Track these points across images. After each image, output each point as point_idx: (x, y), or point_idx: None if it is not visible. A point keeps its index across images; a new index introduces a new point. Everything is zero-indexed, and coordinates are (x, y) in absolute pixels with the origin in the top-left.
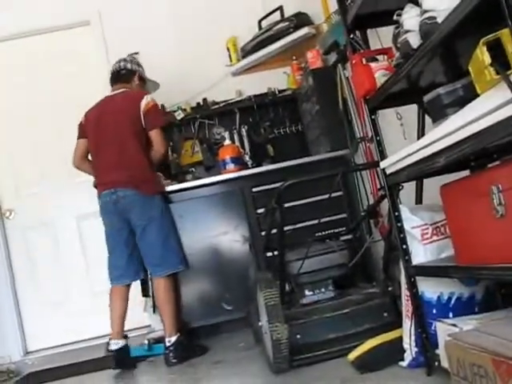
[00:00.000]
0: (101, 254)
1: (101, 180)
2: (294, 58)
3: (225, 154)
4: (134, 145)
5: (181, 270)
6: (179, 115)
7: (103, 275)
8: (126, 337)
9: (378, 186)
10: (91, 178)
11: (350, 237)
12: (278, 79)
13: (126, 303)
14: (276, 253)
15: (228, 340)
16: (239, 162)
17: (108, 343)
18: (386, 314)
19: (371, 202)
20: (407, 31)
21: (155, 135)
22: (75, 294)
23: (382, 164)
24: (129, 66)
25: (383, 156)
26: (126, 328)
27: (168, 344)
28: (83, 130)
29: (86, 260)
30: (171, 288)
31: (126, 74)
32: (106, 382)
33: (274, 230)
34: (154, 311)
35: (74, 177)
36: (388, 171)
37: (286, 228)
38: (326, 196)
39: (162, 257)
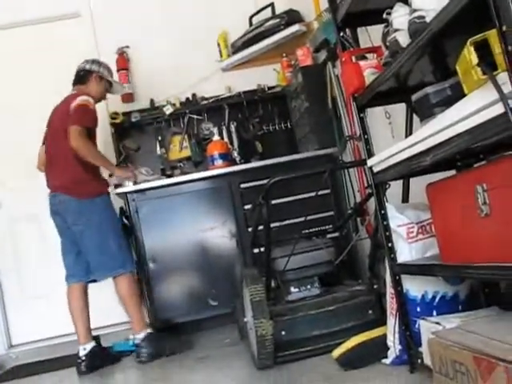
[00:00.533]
0: None
1: (47, 183)
2: (284, 54)
3: (213, 150)
4: (66, 149)
5: (122, 273)
6: (168, 110)
7: None
8: (95, 338)
9: (366, 185)
10: None
11: (336, 234)
12: (267, 76)
13: (82, 302)
14: (262, 249)
15: (213, 336)
16: (227, 158)
17: (78, 350)
18: (370, 312)
19: (358, 200)
20: (396, 30)
21: (70, 130)
22: (61, 287)
23: (370, 162)
24: (87, 66)
25: (371, 154)
26: (112, 322)
27: (137, 341)
28: (44, 135)
29: None
30: (130, 286)
31: (83, 76)
32: (90, 375)
33: (261, 227)
34: None
35: None
36: (375, 169)
37: (272, 225)
38: (314, 193)
39: (99, 261)
